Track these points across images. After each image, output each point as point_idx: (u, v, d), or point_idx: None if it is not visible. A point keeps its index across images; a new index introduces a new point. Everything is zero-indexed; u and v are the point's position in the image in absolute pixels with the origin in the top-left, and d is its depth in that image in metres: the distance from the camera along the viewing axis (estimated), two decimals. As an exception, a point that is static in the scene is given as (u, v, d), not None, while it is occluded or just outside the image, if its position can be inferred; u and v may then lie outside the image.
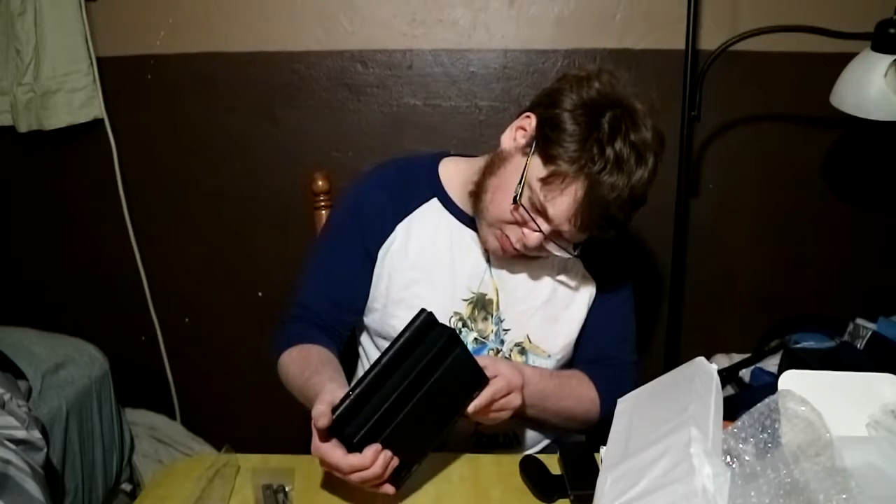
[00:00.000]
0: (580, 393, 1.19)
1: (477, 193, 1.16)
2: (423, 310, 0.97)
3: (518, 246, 1.12)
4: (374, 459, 0.92)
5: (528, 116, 1.12)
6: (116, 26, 1.80)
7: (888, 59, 1.33)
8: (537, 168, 1.07)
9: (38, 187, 1.95)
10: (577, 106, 1.05)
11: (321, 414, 0.91)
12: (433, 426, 0.97)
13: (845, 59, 1.41)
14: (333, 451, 0.93)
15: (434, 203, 1.23)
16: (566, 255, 1.14)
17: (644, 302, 1.83)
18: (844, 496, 0.76)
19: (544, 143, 1.06)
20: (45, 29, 1.73)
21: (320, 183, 1.45)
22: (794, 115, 1.80)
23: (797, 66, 1.74)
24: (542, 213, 1.07)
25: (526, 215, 1.08)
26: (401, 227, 1.21)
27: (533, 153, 1.08)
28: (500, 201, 1.11)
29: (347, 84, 1.81)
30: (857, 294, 1.90)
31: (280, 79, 1.81)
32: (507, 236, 1.12)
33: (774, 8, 1.68)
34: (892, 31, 1.31)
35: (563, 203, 1.05)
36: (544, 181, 1.05)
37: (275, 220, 1.89)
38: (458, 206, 1.22)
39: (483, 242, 1.18)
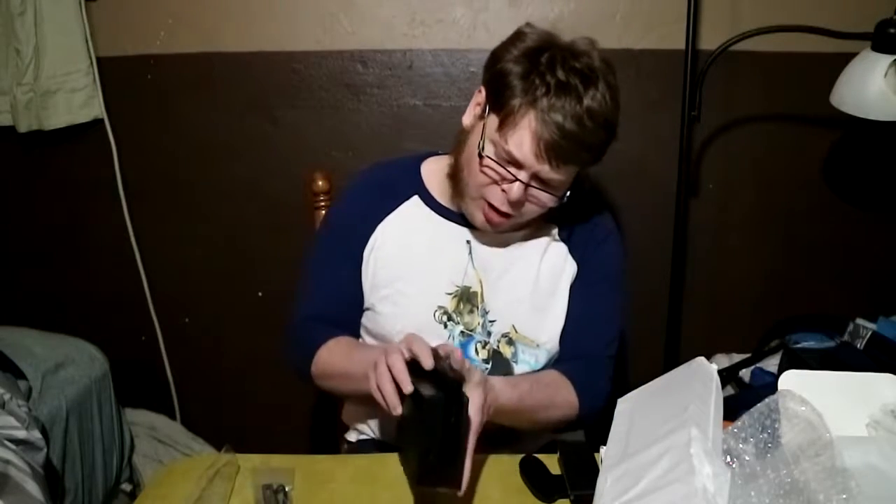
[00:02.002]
0: (559, 401, 1.18)
1: (453, 175, 1.19)
2: None
3: (504, 207, 1.12)
4: (397, 371, 0.93)
5: (479, 91, 1.16)
6: (116, 26, 1.80)
7: (888, 59, 1.33)
8: (493, 122, 1.10)
9: (38, 187, 1.95)
10: (517, 55, 1.09)
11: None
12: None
13: (845, 59, 1.41)
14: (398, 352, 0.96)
15: (415, 200, 1.25)
16: (556, 201, 1.13)
17: (644, 302, 1.84)
18: (844, 496, 0.76)
19: (494, 97, 1.10)
20: (45, 29, 1.73)
21: (320, 183, 1.46)
22: (794, 115, 1.80)
23: (797, 66, 1.74)
24: (510, 159, 1.09)
25: (497, 167, 1.10)
26: (382, 227, 1.24)
27: (488, 113, 1.12)
28: (472, 169, 1.13)
29: (347, 84, 1.81)
30: (857, 294, 1.90)
31: (280, 79, 1.81)
32: (491, 205, 1.13)
33: (774, 8, 1.68)
34: (892, 31, 1.31)
35: (521, 138, 1.07)
36: (500, 127, 1.08)
37: (275, 220, 1.89)
38: (439, 202, 1.24)
39: (472, 220, 1.19)
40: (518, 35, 1.12)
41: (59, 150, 1.88)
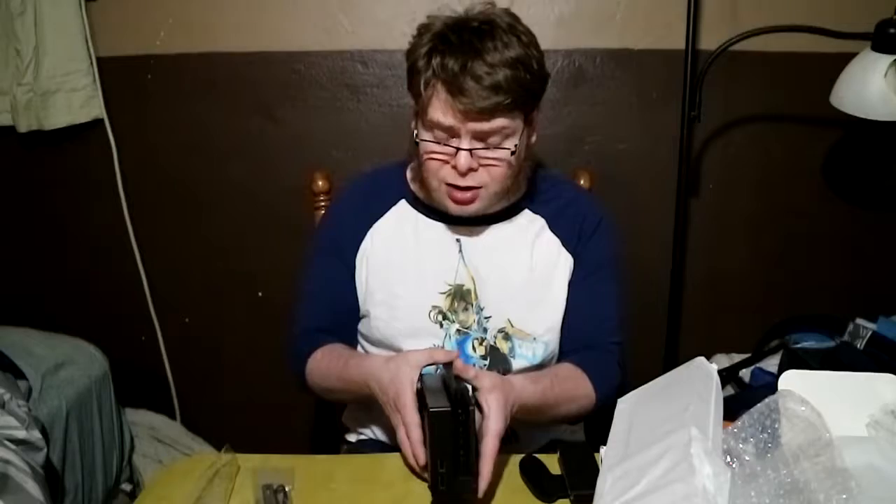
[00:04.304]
0: (578, 393, 1.18)
1: (420, 176, 1.21)
2: None
3: (461, 182, 1.13)
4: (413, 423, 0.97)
5: None
6: (116, 26, 1.80)
7: (888, 59, 1.33)
8: (419, 109, 1.13)
9: (38, 187, 1.95)
10: (423, 43, 1.11)
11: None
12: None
13: (845, 59, 1.41)
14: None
15: (402, 204, 1.27)
16: (508, 153, 1.12)
17: (644, 302, 1.84)
18: (844, 496, 0.76)
19: (412, 86, 1.13)
20: (45, 29, 1.73)
21: (320, 183, 1.46)
22: (794, 115, 1.80)
23: (797, 66, 1.74)
24: (444, 132, 1.11)
25: (438, 147, 1.12)
26: (372, 233, 1.25)
27: (416, 105, 1.14)
28: (422, 160, 1.15)
29: (347, 84, 1.81)
30: (857, 294, 1.90)
31: (280, 79, 1.81)
32: (449, 185, 1.14)
33: (774, 8, 1.68)
34: (892, 31, 1.31)
35: (442, 110, 1.09)
36: (424, 109, 1.11)
37: (275, 220, 1.89)
38: (426, 204, 1.25)
39: (448, 211, 1.19)
40: (422, 27, 1.13)
41: (59, 150, 1.88)
